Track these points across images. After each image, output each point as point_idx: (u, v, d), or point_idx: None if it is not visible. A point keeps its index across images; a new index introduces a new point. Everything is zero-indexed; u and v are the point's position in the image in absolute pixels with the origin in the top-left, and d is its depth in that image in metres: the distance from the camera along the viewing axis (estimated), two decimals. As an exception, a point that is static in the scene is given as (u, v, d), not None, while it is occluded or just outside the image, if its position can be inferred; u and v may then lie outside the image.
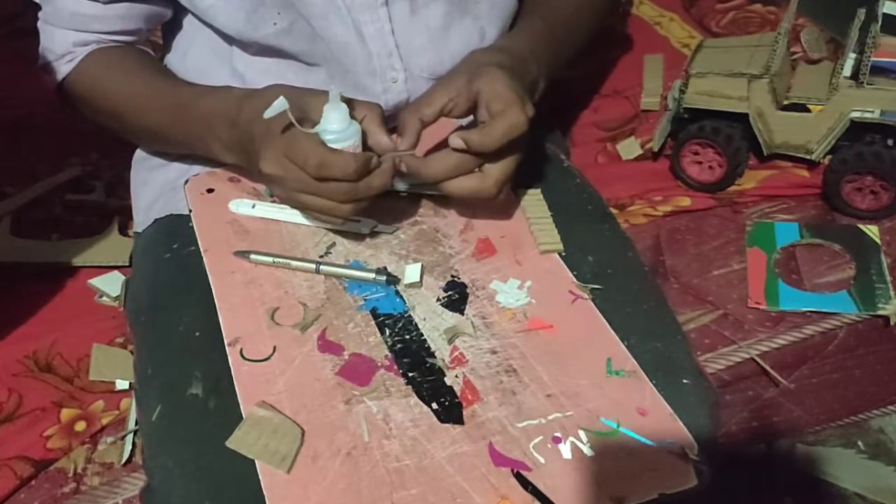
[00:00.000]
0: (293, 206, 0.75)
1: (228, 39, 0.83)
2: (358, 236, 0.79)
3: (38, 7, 0.83)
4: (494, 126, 0.69)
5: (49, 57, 0.84)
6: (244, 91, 0.77)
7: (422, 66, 0.84)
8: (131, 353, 0.85)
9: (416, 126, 0.72)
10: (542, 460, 0.61)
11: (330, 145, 0.68)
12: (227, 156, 0.77)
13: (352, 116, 0.70)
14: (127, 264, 0.96)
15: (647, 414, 0.63)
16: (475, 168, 0.72)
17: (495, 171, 0.72)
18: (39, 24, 0.84)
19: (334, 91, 0.68)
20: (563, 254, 0.77)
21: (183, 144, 0.83)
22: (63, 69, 0.83)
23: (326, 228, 0.80)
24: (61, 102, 0.89)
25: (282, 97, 0.66)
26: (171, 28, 0.88)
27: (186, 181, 0.86)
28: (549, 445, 0.61)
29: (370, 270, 0.74)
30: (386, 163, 0.70)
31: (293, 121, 0.67)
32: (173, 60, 0.89)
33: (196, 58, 0.86)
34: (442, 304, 0.73)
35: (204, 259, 0.77)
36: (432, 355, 0.68)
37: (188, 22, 0.85)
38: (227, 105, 0.75)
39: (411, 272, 0.75)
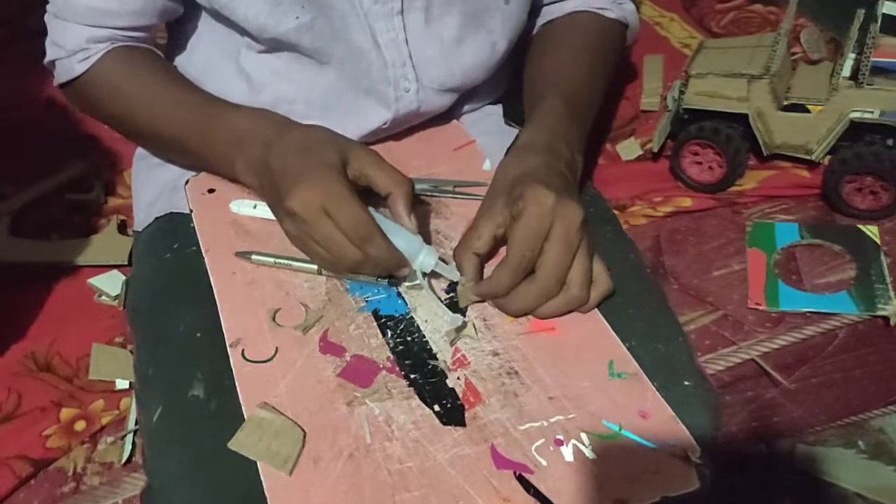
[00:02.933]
0: (295, 245, 0.73)
1: (239, 37, 0.82)
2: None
3: (41, 8, 0.82)
4: (497, 273, 0.69)
5: (59, 54, 0.82)
6: (284, 118, 0.76)
7: (432, 77, 0.84)
8: (131, 352, 0.85)
9: (474, 261, 0.72)
10: (544, 463, 0.60)
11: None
12: (248, 176, 0.75)
13: (379, 187, 0.70)
14: (126, 263, 0.96)
15: (648, 416, 0.63)
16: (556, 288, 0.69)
17: (575, 276, 0.69)
18: (48, 17, 0.82)
19: (432, 257, 0.70)
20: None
21: (199, 157, 0.81)
22: (77, 68, 0.81)
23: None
24: (67, 98, 0.87)
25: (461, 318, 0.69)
26: (177, 26, 0.87)
27: (187, 181, 0.86)
28: (551, 448, 0.61)
29: (371, 271, 0.74)
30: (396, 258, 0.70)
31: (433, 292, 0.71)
32: (178, 58, 0.88)
33: (201, 56, 0.86)
34: (444, 306, 0.73)
35: (205, 259, 0.77)
36: (434, 357, 0.68)
37: (194, 20, 0.85)
38: (265, 127, 0.74)
39: (426, 258, 0.71)
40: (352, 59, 0.81)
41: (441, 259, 0.72)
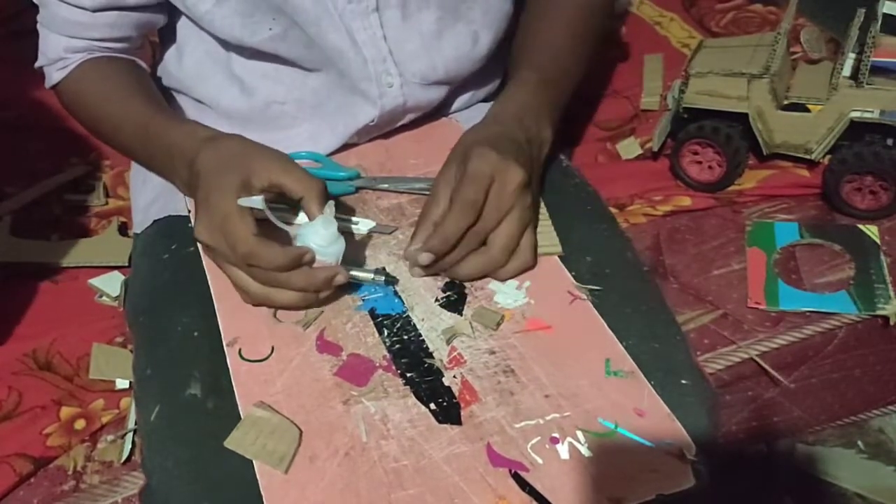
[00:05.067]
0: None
1: (225, 44, 0.83)
2: (356, 236, 0.79)
3: (38, 8, 0.83)
4: (442, 227, 0.70)
5: (43, 61, 0.85)
6: (207, 134, 0.75)
7: (414, 71, 0.84)
8: (131, 352, 0.85)
9: (430, 230, 0.72)
10: (539, 461, 0.60)
11: (317, 256, 0.69)
12: (185, 192, 0.78)
13: (290, 192, 0.70)
14: (126, 264, 0.96)
15: (645, 414, 0.63)
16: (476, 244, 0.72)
17: (498, 238, 0.71)
18: (38, 26, 0.84)
19: (329, 209, 0.69)
20: (562, 255, 0.77)
21: (151, 169, 0.84)
22: (55, 76, 0.85)
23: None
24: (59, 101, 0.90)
25: (261, 198, 0.66)
26: (168, 32, 0.88)
27: (186, 182, 0.86)
28: (547, 446, 0.61)
29: (369, 270, 0.74)
30: (324, 273, 0.69)
31: (270, 216, 0.67)
32: (170, 64, 0.89)
33: (193, 61, 0.87)
34: (440, 305, 0.73)
35: (203, 259, 0.77)
36: (430, 356, 0.68)
37: (184, 26, 0.86)
38: (189, 145, 0.74)
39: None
40: (332, 61, 0.81)
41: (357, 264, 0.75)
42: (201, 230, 0.69)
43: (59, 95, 0.87)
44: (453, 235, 0.70)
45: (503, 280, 0.74)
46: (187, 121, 0.81)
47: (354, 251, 0.78)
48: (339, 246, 0.70)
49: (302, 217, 0.72)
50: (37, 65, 0.86)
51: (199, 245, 0.72)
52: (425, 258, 0.71)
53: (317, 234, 0.69)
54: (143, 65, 0.88)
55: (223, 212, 0.67)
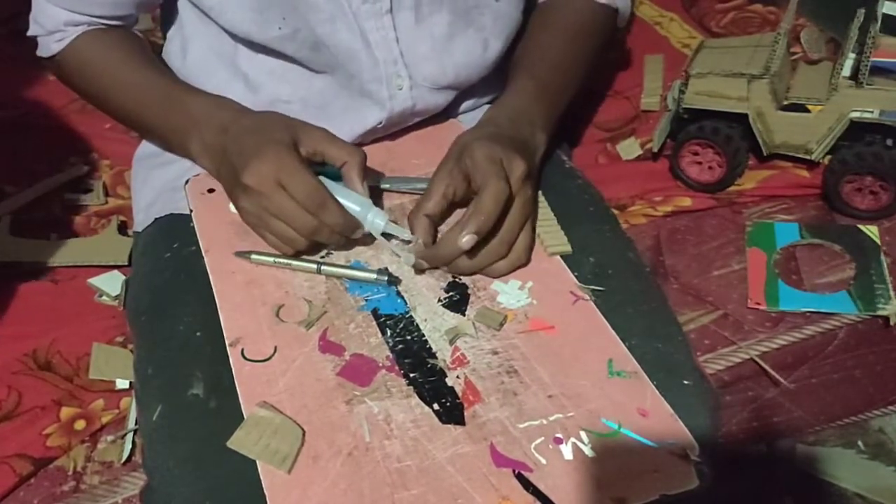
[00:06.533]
0: (251, 224, 0.76)
1: (233, 36, 0.83)
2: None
3: None
4: (481, 205, 0.70)
5: (38, 31, 0.86)
6: (240, 106, 0.80)
7: (424, 75, 0.84)
8: (131, 352, 0.84)
9: (425, 224, 0.74)
10: (543, 461, 0.61)
11: None
12: (203, 158, 0.80)
13: (333, 158, 0.74)
14: (126, 264, 0.96)
15: (648, 415, 0.63)
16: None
17: (520, 244, 0.74)
18: None
19: (381, 218, 0.74)
20: (570, 254, 0.77)
21: (160, 136, 0.86)
22: (53, 47, 0.85)
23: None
24: (53, 72, 0.92)
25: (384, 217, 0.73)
26: (171, 26, 0.88)
27: (187, 181, 0.86)
28: (550, 446, 0.61)
29: (371, 271, 0.74)
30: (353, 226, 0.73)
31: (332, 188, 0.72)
32: (174, 59, 0.89)
33: (197, 56, 0.86)
34: (443, 305, 0.73)
35: (205, 259, 0.77)
36: (433, 356, 0.68)
37: (189, 21, 0.86)
38: (223, 112, 0.78)
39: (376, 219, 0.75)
40: (342, 61, 0.81)
41: (393, 221, 0.75)
42: (259, 176, 0.70)
43: (57, 66, 0.88)
44: (493, 213, 0.70)
45: (495, 277, 0.74)
46: (210, 93, 0.83)
47: (356, 251, 0.78)
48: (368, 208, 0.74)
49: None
50: (29, 33, 0.87)
51: (238, 194, 0.74)
52: (469, 240, 0.70)
53: (347, 196, 0.73)
54: (141, 35, 0.90)
55: (286, 163, 0.70)
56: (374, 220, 0.74)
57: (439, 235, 0.76)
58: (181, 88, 0.83)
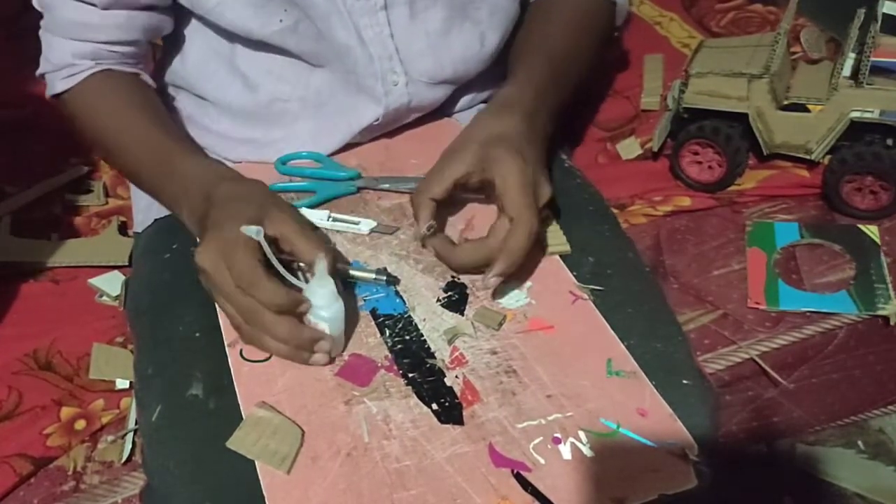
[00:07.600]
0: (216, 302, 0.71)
1: (231, 38, 0.82)
2: (358, 236, 0.79)
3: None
4: (514, 242, 0.68)
5: (47, 68, 0.83)
6: (232, 173, 0.76)
7: (421, 70, 0.84)
8: (131, 352, 0.85)
9: (430, 207, 0.72)
10: (542, 461, 0.60)
11: (312, 318, 0.66)
12: (191, 224, 0.75)
13: (299, 252, 0.68)
14: (126, 264, 0.96)
15: (647, 414, 0.63)
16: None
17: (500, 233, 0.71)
18: (41, 32, 0.83)
19: (321, 262, 0.66)
20: (569, 254, 0.77)
21: (154, 196, 0.82)
22: (59, 85, 0.82)
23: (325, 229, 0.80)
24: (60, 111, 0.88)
25: (259, 228, 0.64)
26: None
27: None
28: (549, 446, 0.61)
29: (370, 271, 0.74)
30: (309, 332, 0.66)
31: (268, 252, 0.65)
32: (173, 61, 0.89)
33: (196, 57, 0.86)
34: (442, 305, 0.73)
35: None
36: (432, 356, 0.68)
37: (187, 23, 0.85)
38: (210, 178, 0.74)
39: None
40: (339, 57, 0.81)
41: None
42: (204, 255, 0.66)
43: (62, 105, 0.84)
44: (525, 252, 0.69)
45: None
46: (210, 158, 0.82)
47: (355, 251, 0.78)
48: (336, 309, 0.66)
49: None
50: (39, 72, 0.84)
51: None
52: (495, 282, 0.69)
53: (314, 294, 0.66)
54: (151, 82, 0.86)
55: (232, 238, 0.65)
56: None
57: (439, 235, 0.75)
58: (178, 150, 0.78)
